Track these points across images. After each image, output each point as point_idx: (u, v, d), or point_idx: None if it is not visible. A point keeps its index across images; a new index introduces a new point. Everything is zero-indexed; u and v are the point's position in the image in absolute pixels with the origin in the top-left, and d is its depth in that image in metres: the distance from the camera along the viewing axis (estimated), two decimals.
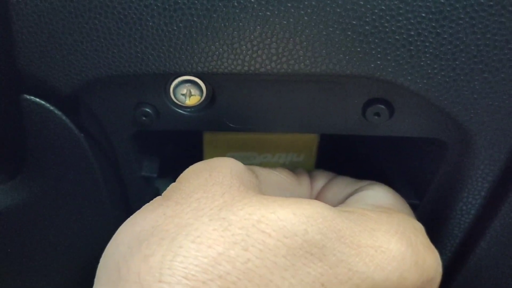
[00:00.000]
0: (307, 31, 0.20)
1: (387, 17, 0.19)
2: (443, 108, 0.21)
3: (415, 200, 0.27)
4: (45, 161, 0.24)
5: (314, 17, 0.19)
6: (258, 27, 0.20)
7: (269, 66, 0.21)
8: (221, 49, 0.20)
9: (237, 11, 0.19)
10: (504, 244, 0.24)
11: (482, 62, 0.20)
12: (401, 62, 0.20)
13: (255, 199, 0.19)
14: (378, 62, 0.20)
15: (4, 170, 0.25)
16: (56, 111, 0.23)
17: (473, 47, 0.19)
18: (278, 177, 0.24)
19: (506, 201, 0.23)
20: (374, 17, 0.19)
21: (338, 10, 0.19)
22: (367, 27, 0.19)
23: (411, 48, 0.20)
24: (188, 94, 0.22)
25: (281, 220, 0.17)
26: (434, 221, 0.26)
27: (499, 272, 0.25)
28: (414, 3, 0.19)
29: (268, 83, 0.22)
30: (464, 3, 0.19)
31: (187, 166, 0.22)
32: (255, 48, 0.20)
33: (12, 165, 0.24)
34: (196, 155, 0.29)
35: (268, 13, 0.19)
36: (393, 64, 0.20)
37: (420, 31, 0.19)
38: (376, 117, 0.23)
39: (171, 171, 0.28)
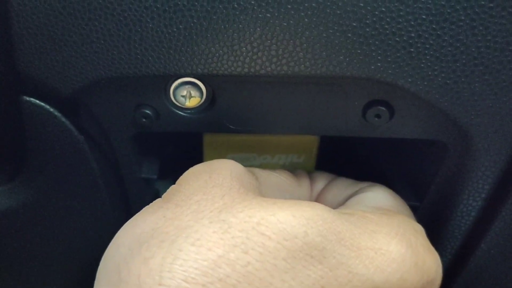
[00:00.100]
0: (307, 33, 0.20)
1: (388, 19, 0.19)
2: (443, 110, 0.21)
3: (415, 202, 0.27)
4: (45, 163, 0.24)
5: (314, 19, 0.19)
6: (258, 29, 0.20)
7: (269, 68, 0.21)
8: (221, 51, 0.20)
9: (237, 12, 0.19)
10: (505, 246, 0.24)
11: (483, 64, 0.20)
12: (401, 64, 0.20)
13: (255, 201, 0.18)
14: (379, 64, 0.20)
15: (4, 172, 0.25)
16: (56, 113, 0.23)
17: (473, 49, 0.19)
18: (278, 178, 0.24)
19: (506, 203, 0.23)
20: (374, 19, 0.19)
21: (338, 12, 0.19)
22: (367, 29, 0.19)
23: (412, 50, 0.20)
24: (188, 95, 0.22)
25: (281, 222, 0.17)
26: (434, 223, 0.26)
27: (500, 274, 0.25)
28: (415, 5, 0.19)
29: (268, 85, 0.22)
30: (465, 4, 0.19)
31: (187, 168, 0.22)
32: (255, 50, 0.20)
33: (12, 166, 0.24)
34: (196, 157, 0.29)
35: (268, 15, 0.19)
36: (393, 66, 0.20)
37: (420, 33, 0.19)
38: (376, 118, 0.23)
39: (171, 173, 0.28)
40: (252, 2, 0.19)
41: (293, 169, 0.27)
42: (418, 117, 0.23)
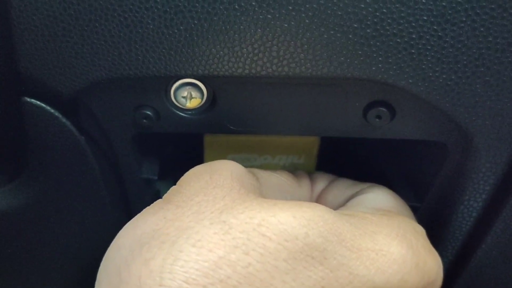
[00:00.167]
0: (308, 34, 0.20)
1: (389, 20, 0.19)
2: (444, 111, 0.21)
3: (416, 202, 0.27)
4: (45, 164, 0.24)
5: (315, 20, 0.19)
6: (259, 30, 0.20)
7: (270, 69, 0.21)
8: (222, 52, 0.20)
9: (238, 14, 0.19)
10: (505, 246, 0.24)
11: (484, 65, 0.20)
12: (402, 65, 0.20)
13: (256, 202, 0.18)
14: (380, 65, 0.20)
15: (4, 172, 0.25)
16: (57, 114, 0.23)
17: (474, 50, 0.19)
18: (279, 179, 0.24)
19: (507, 204, 0.23)
20: (375, 20, 0.19)
21: (340, 13, 0.19)
22: (368, 30, 0.19)
23: (413, 51, 0.20)
24: (188, 96, 0.22)
25: (281, 223, 0.17)
26: (435, 223, 0.26)
27: (500, 274, 0.25)
28: (416, 6, 0.19)
29: (269, 86, 0.22)
30: (466, 6, 0.19)
31: (187, 169, 0.22)
32: (256, 51, 0.20)
33: (13, 167, 0.24)
34: (197, 158, 0.29)
35: (269, 16, 0.19)
36: (394, 67, 0.20)
37: (421, 34, 0.19)
38: (377, 119, 0.23)
39: (171, 173, 0.28)
40: (253, 3, 0.19)
41: (293, 170, 0.27)
42: (419, 118, 0.23)
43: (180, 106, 0.23)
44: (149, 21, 0.20)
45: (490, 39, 0.19)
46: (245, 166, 0.22)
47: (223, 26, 0.20)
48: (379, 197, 0.24)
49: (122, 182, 0.27)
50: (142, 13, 0.19)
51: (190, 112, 0.24)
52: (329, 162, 0.30)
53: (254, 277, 0.16)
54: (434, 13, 0.19)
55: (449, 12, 0.19)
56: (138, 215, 0.20)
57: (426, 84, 0.20)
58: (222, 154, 0.29)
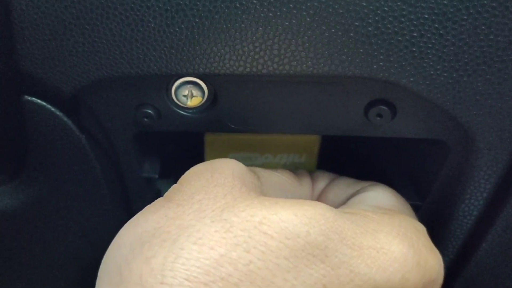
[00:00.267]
0: (309, 32, 0.20)
1: (390, 18, 0.19)
2: (445, 109, 0.21)
3: (417, 201, 0.27)
4: (46, 162, 0.24)
5: (316, 18, 0.19)
6: (260, 28, 0.20)
7: (271, 67, 0.21)
8: (223, 50, 0.20)
9: (239, 12, 0.19)
10: (506, 245, 0.24)
11: (485, 63, 0.20)
12: (403, 63, 0.20)
13: (257, 201, 0.18)
14: (381, 63, 0.20)
15: (5, 171, 0.25)
16: (58, 112, 0.23)
17: (476, 48, 0.19)
18: (280, 178, 0.24)
19: (508, 203, 0.23)
20: (376, 18, 0.19)
21: (341, 11, 0.19)
22: (369, 28, 0.19)
23: (414, 49, 0.20)
24: (189, 95, 0.22)
25: (283, 221, 0.17)
26: (436, 222, 0.26)
27: (501, 273, 0.25)
28: (417, 4, 0.19)
29: (270, 84, 0.22)
30: (467, 4, 0.19)
31: (188, 167, 0.22)
32: (257, 49, 0.20)
33: (13, 166, 0.24)
34: (197, 156, 0.29)
35: (270, 14, 0.19)
36: (395, 65, 0.20)
37: (423, 32, 0.19)
38: (379, 118, 0.23)
39: (172, 172, 0.28)
40: (254, 2, 0.19)
41: (294, 169, 0.27)
42: (420, 116, 0.23)
43: (181, 105, 0.23)
44: (150, 20, 0.20)
45: (491, 37, 0.19)
46: (246, 165, 0.22)
47: (224, 25, 0.20)
48: (380, 195, 0.24)
49: (123, 181, 0.27)
50: (143, 11, 0.19)
51: (191, 111, 0.24)
52: (330, 161, 0.30)
53: (255, 275, 0.16)
54: (436, 11, 0.19)
55: (451, 10, 0.19)
56: (139, 213, 0.20)
57: (427, 83, 0.20)
58: (223, 153, 0.29)
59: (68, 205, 0.25)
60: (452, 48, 0.19)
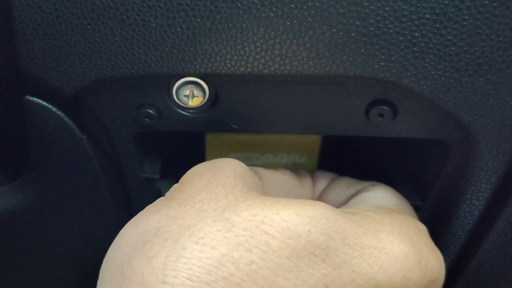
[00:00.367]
0: (310, 32, 0.20)
1: (391, 18, 0.19)
2: (446, 110, 0.21)
3: (418, 201, 0.27)
4: (47, 163, 0.24)
5: (318, 18, 0.19)
6: (262, 28, 0.20)
7: (272, 68, 0.21)
8: (224, 50, 0.20)
9: (240, 12, 0.19)
10: (507, 245, 0.24)
11: (486, 63, 0.20)
12: (404, 63, 0.20)
13: (259, 200, 0.18)
14: (382, 64, 0.20)
15: (6, 171, 0.25)
16: (59, 113, 0.23)
17: (477, 48, 0.19)
18: (281, 178, 0.24)
19: (509, 203, 0.23)
20: (378, 18, 0.19)
21: (342, 11, 0.19)
22: (370, 28, 0.19)
23: (415, 49, 0.20)
24: (190, 95, 0.22)
25: (284, 221, 0.17)
26: (437, 222, 0.26)
27: (502, 273, 0.25)
28: (418, 4, 0.19)
29: (271, 84, 0.22)
30: (468, 4, 0.19)
31: (189, 167, 0.22)
32: (258, 50, 0.20)
33: (14, 166, 0.24)
34: (198, 156, 0.29)
35: (271, 14, 0.19)
36: (396, 65, 0.20)
37: (424, 32, 0.19)
38: (380, 118, 0.23)
39: (173, 172, 0.28)
40: (256, 2, 0.19)
41: (295, 169, 0.27)
42: (421, 116, 0.23)
43: (182, 105, 0.23)
44: (151, 20, 0.20)
45: (493, 37, 0.19)
46: (247, 165, 0.22)
47: (225, 25, 0.20)
48: (381, 195, 0.24)
49: (124, 181, 0.27)
50: (145, 11, 0.19)
51: (192, 111, 0.24)
52: (331, 161, 0.30)
53: (257, 275, 0.16)
54: (437, 11, 0.19)
55: (452, 10, 0.19)
56: (141, 212, 0.20)
57: (429, 83, 0.20)
58: (224, 153, 0.29)
59: (69, 205, 0.25)
60: (453, 48, 0.19)
